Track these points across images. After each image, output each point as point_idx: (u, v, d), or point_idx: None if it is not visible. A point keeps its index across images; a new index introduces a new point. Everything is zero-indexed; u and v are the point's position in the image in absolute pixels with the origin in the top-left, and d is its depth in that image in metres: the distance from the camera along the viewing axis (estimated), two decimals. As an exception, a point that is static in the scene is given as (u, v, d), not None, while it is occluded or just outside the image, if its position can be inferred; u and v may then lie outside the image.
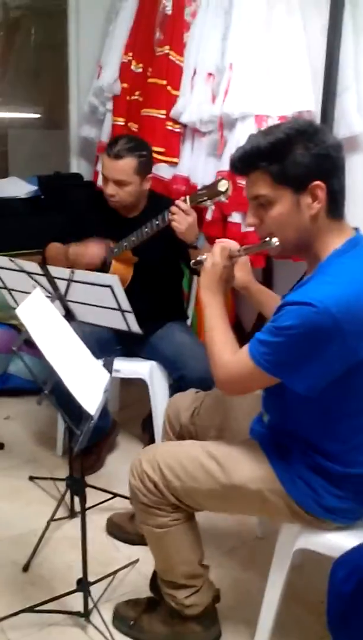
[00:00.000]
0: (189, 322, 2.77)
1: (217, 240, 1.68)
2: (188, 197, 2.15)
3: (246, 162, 1.44)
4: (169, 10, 2.87)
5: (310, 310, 1.31)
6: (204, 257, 1.66)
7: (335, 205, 1.43)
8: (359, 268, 1.39)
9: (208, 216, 2.73)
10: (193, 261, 1.72)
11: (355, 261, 1.40)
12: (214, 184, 2.04)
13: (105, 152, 2.36)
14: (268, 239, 1.47)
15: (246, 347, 1.46)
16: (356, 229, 1.49)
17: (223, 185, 2.01)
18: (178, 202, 2.17)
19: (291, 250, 1.49)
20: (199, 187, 2.77)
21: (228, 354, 1.53)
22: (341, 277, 1.36)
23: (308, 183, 1.38)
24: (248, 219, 1.51)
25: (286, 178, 1.39)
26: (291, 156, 1.38)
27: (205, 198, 2.09)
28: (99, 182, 3.32)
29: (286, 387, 1.43)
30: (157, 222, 2.23)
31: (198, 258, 1.68)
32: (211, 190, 2.06)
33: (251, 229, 2.59)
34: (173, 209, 2.17)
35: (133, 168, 2.33)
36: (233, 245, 1.66)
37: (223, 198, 2.06)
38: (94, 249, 2.40)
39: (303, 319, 1.32)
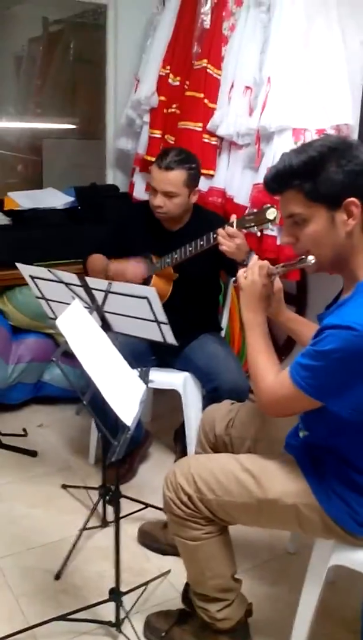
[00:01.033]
0: (223, 333, 2.77)
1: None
2: (235, 221, 2.12)
3: (279, 181, 1.45)
4: (207, 24, 2.90)
5: (350, 334, 1.31)
6: (239, 276, 1.65)
7: None
8: None
9: (244, 229, 2.74)
10: (233, 279, 1.72)
11: None
12: (263, 211, 2.01)
13: (154, 164, 2.38)
14: (304, 256, 1.47)
15: (287, 371, 1.46)
16: None
17: (271, 214, 1.99)
18: (226, 228, 2.13)
19: (327, 268, 1.49)
20: (234, 199, 2.79)
21: (271, 377, 1.52)
22: None
23: (342, 200, 1.38)
24: (283, 237, 1.51)
25: (319, 195, 1.39)
26: (324, 173, 1.38)
27: (252, 224, 2.07)
28: (135, 194, 3.38)
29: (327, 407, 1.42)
30: (201, 243, 2.23)
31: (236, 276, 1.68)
32: (259, 217, 2.04)
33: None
34: (220, 233, 2.13)
35: (183, 180, 2.35)
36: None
37: (269, 226, 2.05)
38: (134, 269, 2.42)
39: (344, 343, 1.31)
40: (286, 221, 1.48)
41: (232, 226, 2.12)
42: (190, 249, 2.27)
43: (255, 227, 2.08)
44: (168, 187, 2.35)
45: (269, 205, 2.01)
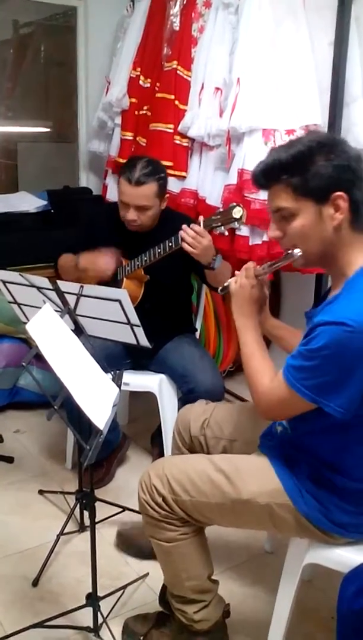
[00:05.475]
0: (197, 334, 2.77)
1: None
2: (202, 221, 2.12)
3: (268, 176, 1.45)
4: (177, 26, 2.90)
5: (342, 330, 1.29)
6: (229, 282, 1.65)
7: (358, 217, 1.42)
8: None
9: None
10: (220, 288, 1.71)
11: None
12: (229, 210, 2.01)
13: (123, 178, 2.32)
14: (290, 251, 1.47)
15: (281, 374, 1.44)
16: None
17: (237, 212, 1.99)
18: (192, 225, 2.13)
19: (314, 263, 1.49)
20: (206, 200, 2.80)
21: (266, 381, 1.51)
22: None
23: (329, 194, 1.38)
24: (271, 232, 1.51)
25: (308, 190, 1.39)
26: (312, 168, 1.38)
27: (219, 224, 2.07)
28: (108, 196, 3.37)
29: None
30: (170, 244, 2.22)
31: (225, 284, 1.66)
32: (226, 216, 2.04)
33: (259, 242, 2.62)
34: (185, 231, 2.13)
35: (154, 192, 2.33)
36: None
37: (236, 224, 2.04)
38: (105, 260, 2.39)
39: (337, 339, 1.30)
40: (274, 215, 1.48)
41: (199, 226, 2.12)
42: (159, 250, 2.26)
43: (222, 227, 2.08)
44: (141, 201, 2.32)
45: (235, 204, 2.01)
